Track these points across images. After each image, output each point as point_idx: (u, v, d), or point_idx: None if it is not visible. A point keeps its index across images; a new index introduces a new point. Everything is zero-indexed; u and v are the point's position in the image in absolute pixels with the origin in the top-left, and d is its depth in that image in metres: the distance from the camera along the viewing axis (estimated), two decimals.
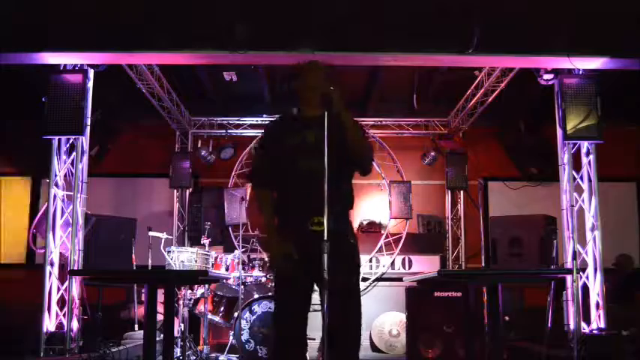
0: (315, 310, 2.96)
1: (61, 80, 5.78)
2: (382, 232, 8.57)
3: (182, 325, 5.91)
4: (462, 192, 9.00)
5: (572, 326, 5.52)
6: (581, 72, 5.82)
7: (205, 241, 6.31)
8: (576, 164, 5.94)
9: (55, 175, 5.81)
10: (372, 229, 8.67)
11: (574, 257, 5.61)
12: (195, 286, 6.06)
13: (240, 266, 6.13)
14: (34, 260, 8.36)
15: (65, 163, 5.89)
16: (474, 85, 7.78)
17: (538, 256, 5.65)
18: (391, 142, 8.93)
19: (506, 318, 6.27)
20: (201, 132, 9.07)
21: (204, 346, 6.14)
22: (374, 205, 8.84)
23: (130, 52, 5.72)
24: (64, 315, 5.57)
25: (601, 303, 5.66)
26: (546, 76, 5.95)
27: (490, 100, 7.59)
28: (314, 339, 3.07)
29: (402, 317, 7.18)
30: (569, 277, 5.51)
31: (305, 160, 2.95)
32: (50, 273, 5.66)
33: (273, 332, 3.07)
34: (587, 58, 5.58)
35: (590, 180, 5.91)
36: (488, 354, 4.74)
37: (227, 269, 6.20)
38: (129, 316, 6.88)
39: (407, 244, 8.36)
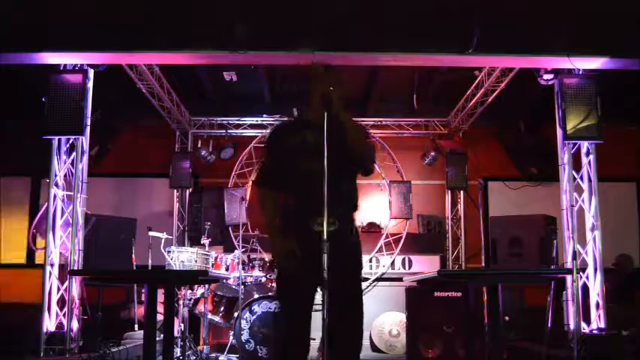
0: (317, 310, 2.96)
1: (61, 80, 5.77)
2: (382, 232, 8.58)
3: (182, 325, 5.90)
4: (462, 192, 8.99)
5: (572, 326, 5.52)
6: (581, 72, 5.82)
7: (205, 241, 6.31)
8: (576, 164, 5.93)
9: (55, 175, 5.81)
10: (372, 229, 8.67)
11: (574, 257, 5.61)
12: (195, 286, 6.06)
13: (240, 266, 6.13)
14: (34, 260, 8.37)
15: (65, 163, 5.88)
16: (474, 85, 7.78)
17: (538, 256, 5.66)
18: (391, 142, 8.92)
19: (506, 318, 6.27)
20: (201, 132, 9.07)
21: (204, 346, 6.13)
22: (374, 205, 8.83)
23: (130, 52, 5.72)
24: (64, 315, 5.56)
25: (601, 303, 5.66)
26: (546, 76, 5.94)
27: (490, 100, 7.59)
28: (314, 339, 3.07)
29: (402, 317, 7.17)
30: (569, 277, 5.51)
31: (305, 160, 2.96)
32: (50, 273, 5.65)
33: (276, 332, 3.07)
34: (587, 58, 5.58)
35: (590, 180, 5.91)
36: (488, 354, 4.74)
37: (227, 269, 6.20)
38: (129, 316, 6.88)
39: (407, 244, 8.35)
